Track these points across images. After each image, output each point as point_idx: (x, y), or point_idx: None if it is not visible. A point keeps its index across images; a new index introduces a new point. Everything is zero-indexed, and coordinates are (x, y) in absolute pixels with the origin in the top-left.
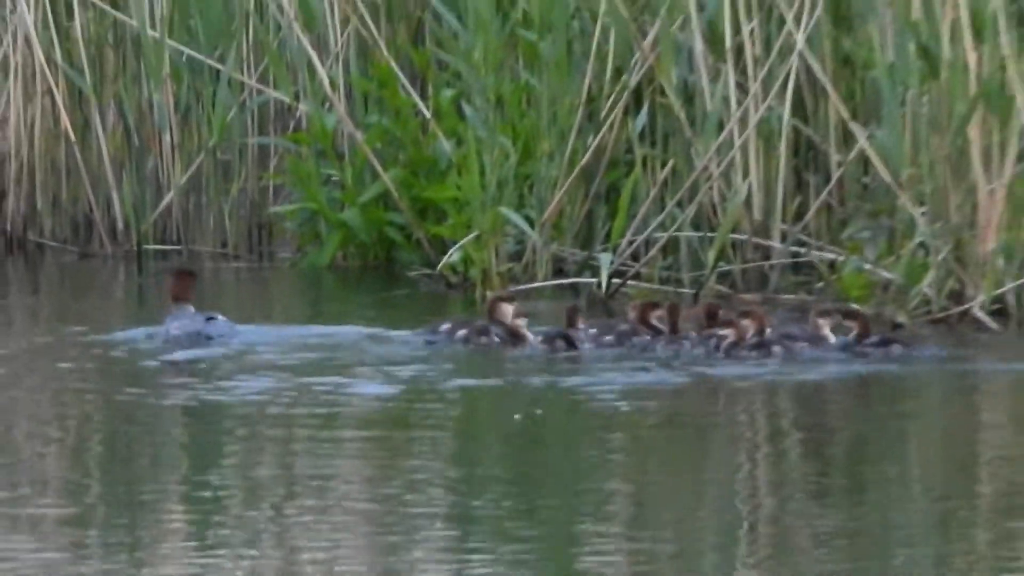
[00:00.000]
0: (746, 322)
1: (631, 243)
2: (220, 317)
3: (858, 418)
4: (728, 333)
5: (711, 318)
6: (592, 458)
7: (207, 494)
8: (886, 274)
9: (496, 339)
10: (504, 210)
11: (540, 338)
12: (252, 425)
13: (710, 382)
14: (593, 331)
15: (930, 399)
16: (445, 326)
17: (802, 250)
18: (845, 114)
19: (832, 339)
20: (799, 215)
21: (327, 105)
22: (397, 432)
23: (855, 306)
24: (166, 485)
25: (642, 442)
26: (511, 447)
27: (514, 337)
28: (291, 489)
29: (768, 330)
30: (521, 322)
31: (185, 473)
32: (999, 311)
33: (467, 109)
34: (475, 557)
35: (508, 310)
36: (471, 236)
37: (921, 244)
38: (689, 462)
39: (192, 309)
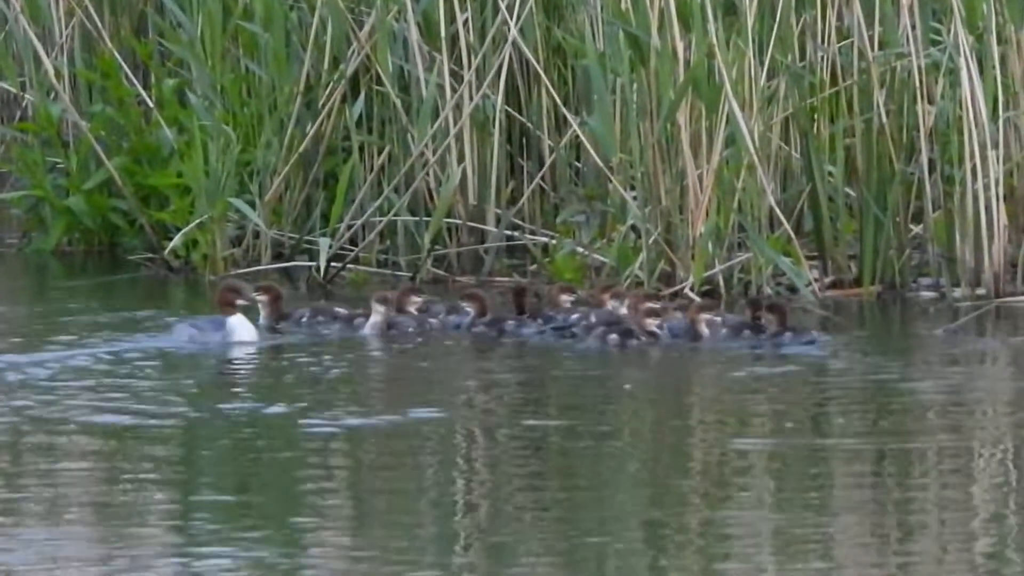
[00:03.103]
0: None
1: (349, 227)
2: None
3: None
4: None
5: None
6: None
7: None
8: (599, 257)
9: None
10: (230, 199)
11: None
12: None
13: None
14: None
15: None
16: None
17: (516, 234)
18: (558, 101)
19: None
20: (513, 200)
21: (52, 95)
22: None
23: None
24: None
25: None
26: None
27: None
28: None
29: None
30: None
31: None
32: (709, 292)
33: (190, 97)
34: None
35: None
36: (196, 222)
37: (632, 228)
38: None
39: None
